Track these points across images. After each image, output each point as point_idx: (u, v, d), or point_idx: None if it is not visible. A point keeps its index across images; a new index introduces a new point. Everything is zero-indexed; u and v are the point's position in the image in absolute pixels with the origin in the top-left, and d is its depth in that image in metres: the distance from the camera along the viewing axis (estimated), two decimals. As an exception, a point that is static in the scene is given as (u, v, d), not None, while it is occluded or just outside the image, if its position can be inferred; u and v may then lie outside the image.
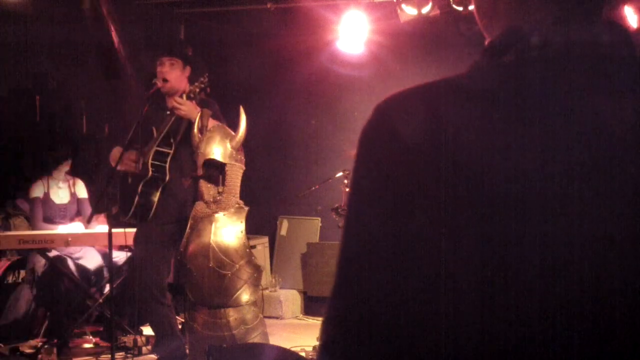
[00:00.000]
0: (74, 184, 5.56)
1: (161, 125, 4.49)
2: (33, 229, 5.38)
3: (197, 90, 4.39)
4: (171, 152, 4.47)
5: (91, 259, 5.37)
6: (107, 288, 4.90)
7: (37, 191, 5.38)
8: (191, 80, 4.53)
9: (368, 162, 0.77)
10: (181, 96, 4.42)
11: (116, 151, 4.58)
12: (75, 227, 5.34)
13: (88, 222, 5.16)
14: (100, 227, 5.31)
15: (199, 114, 4.32)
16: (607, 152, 0.71)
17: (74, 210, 5.51)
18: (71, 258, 5.28)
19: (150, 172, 4.43)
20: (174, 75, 4.47)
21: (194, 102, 4.40)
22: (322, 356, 0.78)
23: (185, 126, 4.44)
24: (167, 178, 4.45)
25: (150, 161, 4.43)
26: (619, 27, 0.76)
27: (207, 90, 4.43)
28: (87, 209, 5.50)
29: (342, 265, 0.78)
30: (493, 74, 0.76)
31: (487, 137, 0.73)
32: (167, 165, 4.46)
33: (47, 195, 5.39)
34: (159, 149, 4.46)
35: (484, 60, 0.78)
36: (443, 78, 0.79)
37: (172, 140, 4.49)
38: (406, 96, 0.79)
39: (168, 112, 4.50)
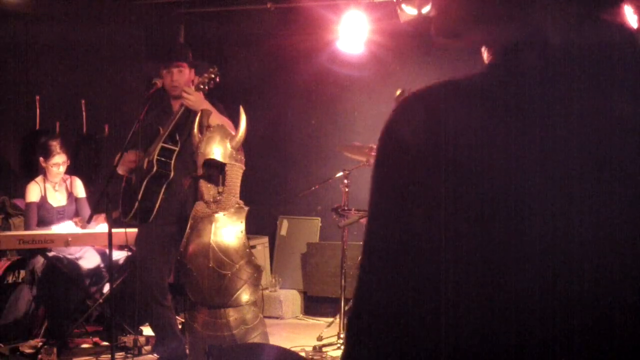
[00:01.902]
0: (71, 184, 5.52)
1: (167, 124, 4.52)
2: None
3: (206, 80, 4.43)
4: (177, 148, 4.50)
5: (90, 259, 5.36)
6: (107, 288, 4.90)
7: (33, 195, 5.32)
8: (199, 73, 4.59)
9: (379, 164, 0.78)
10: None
11: (122, 156, 4.58)
12: (68, 227, 5.31)
13: (88, 222, 5.16)
14: (100, 226, 5.29)
15: (200, 114, 4.34)
16: (608, 152, 0.71)
17: (73, 211, 5.48)
18: (70, 258, 5.28)
19: (155, 168, 4.45)
20: (183, 80, 4.56)
21: (201, 93, 4.43)
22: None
23: (192, 124, 4.47)
24: (172, 175, 4.47)
25: (155, 157, 4.47)
26: (627, 28, 0.76)
27: (217, 79, 4.45)
28: (86, 209, 5.48)
29: (359, 267, 0.80)
30: (494, 75, 0.76)
31: (487, 136, 0.73)
32: (173, 162, 4.48)
33: (44, 198, 5.35)
34: (165, 145, 4.49)
35: (489, 69, 0.78)
36: (453, 79, 0.78)
37: (177, 138, 4.51)
38: (412, 97, 0.79)
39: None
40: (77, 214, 5.49)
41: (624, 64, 0.75)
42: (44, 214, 5.33)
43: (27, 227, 5.34)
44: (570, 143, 0.71)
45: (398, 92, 4.27)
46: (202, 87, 4.43)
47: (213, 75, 4.43)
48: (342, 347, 0.84)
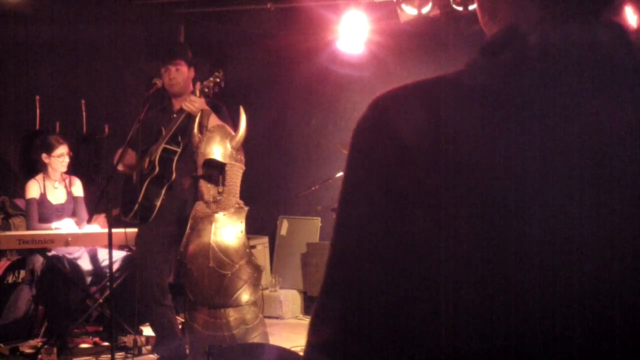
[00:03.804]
0: (70, 183, 5.53)
1: (170, 124, 4.52)
2: (28, 229, 5.35)
3: (211, 85, 4.43)
4: (179, 150, 4.50)
5: (90, 259, 5.36)
6: (107, 288, 4.90)
7: (33, 192, 5.34)
8: (198, 78, 4.60)
9: (365, 160, 0.77)
10: (194, 93, 4.47)
11: (123, 155, 4.58)
12: (67, 224, 5.31)
13: (88, 222, 5.16)
14: (92, 226, 5.28)
15: (200, 114, 4.34)
16: (606, 151, 0.71)
17: (71, 210, 5.49)
18: (70, 258, 5.28)
19: (157, 170, 4.46)
20: (181, 79, 4.56)
21: (202, 97, 4.42)
22: (321, 357, 0.78)
23: (193, 124, 4.47)
24: (173, 177, 4.47)
25: (157, 158, 4.47)
26: (619, 27, 0.76)
27: (222, 84, 4.46)
28: (83, 209, 5.49)
29: (337, 264, 0.78)
30: (491, 73, 0.76)
31: (486, 135, 0.73)
32: (174, 164, 4.48)
33: (43, 195, 5.36)
34: (167, 146, 4.50)
35: (481, 57, 0.78)
36: (440, 75, 0.78)
37: (180, 139, 4.52)
38: (403, 93, 0.78)
39: (175, 115, 4.53)
40: (74, 213, 5.50)
41: (619, 62, 0.75)
42: (43, 211, 5.34)
43: (28, 223, 5.36)
44: (569, 142, 0.71)
45: None
46: (206, 91, 4.43)
47: (218, 80, 4.43)
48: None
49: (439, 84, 0.77)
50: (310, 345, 0.79)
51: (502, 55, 0.76)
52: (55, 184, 5.45)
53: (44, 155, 5.37)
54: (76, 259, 5.31)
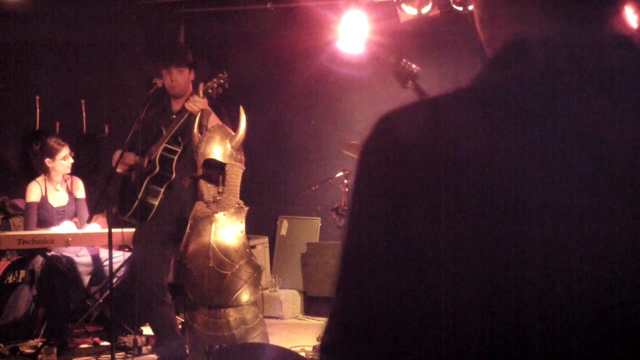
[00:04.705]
0: (72, 184, 5.52)
1: (171, 125, 4.54)
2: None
3: (215, 86, 4.45)
4: (179, 150, 4.52)
5: (89, 259, 5.36)
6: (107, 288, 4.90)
7: (34, 195, 5.31)
8: (197, 79, 4.62)
9: (370, 169, 0.78)
10: (197, 93, 4.48)
11: (118, 154, 4.59)
12: (68, 227, 5.31)
13: (88, 222, 5.15)
14: (92, 226, 5.27)
15: (200, 114, 4.35)
16: (608, 154, 0.71)
17: (72, 212, 5.47)
18: (70, 257, 5.28)
19: (157, 169, 4.47)
20: (182, 81, 4.59)
21: (205, 98, 4.44)
22: (322, 357, 0.78)
23: (193, 124, 4.49)
24: (173, 176, 4.48)
25: (158, 158, 4.48)
26: (624, 36, 0.77)
27: (226, 86, 4.48)
28: (84, 210, 5.47)
29: (344, 267, 0.79)
30: (503, 86, 0.76)
31: (489, 139, 0.73)
32: (174, 163, 4.49)
33: (44, 198, 5.34)
34: (167, 146, 4.52)
35: (490, 71, 0.78)
36: (446, 91, 0.79)
37: (180, 140, 4.53)
38: (408, 106, 0.79)
39: (174, 116, 4.55)
40: (76, 214, 5.49)
41: (622, 67, 0.75)
42: (44, 214, 5.32)
43: (26, 227, 5.33)
44: (571, 144, 0.72)
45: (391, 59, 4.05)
46: (210, 92, 4.46)
47: (222, 81, 4.46)
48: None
49: (444, 96, 0.78)
50: (320, 345, 0.80)
51: (513, 69, 0.76)
52: (57, 186, 5.43)
53: (47, 160, 5.35)
54: (76, 259, 5.30)
